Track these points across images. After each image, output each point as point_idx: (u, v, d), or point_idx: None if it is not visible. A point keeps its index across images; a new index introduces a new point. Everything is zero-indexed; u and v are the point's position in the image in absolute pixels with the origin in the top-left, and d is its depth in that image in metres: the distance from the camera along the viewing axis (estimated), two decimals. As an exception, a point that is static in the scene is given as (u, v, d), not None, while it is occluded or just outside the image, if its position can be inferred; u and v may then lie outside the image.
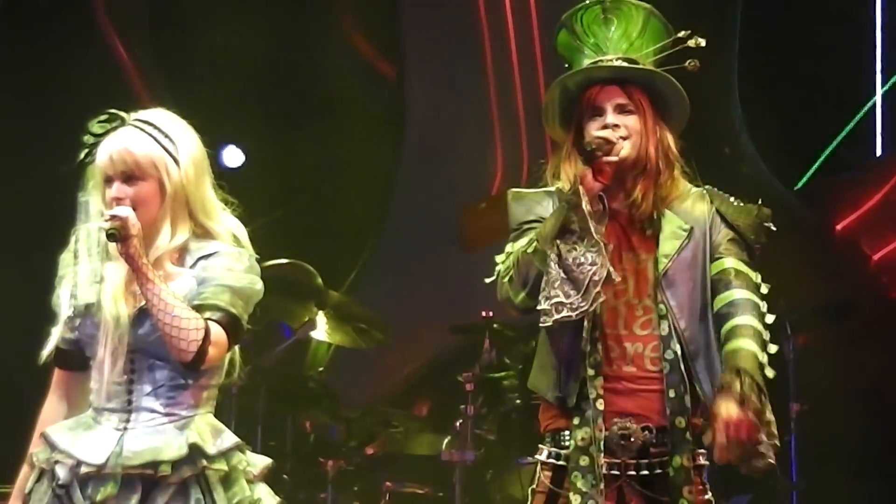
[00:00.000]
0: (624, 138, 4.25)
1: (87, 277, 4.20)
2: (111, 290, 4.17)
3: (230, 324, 4.07)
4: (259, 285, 4.18)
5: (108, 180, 4.10)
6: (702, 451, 4.25)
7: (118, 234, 4.01)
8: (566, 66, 4.41)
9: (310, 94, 9.36)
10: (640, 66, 4.32)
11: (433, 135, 9.53)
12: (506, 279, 4.25)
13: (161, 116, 4.20)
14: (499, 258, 4.33)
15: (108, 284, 4.18)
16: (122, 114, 4.17)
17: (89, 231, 4.19)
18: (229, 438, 4.15)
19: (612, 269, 4.15)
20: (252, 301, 4.17)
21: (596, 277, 4.13)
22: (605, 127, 4.24)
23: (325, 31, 9.51)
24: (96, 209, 4.17)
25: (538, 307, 4.18)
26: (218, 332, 4.04)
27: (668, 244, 4.29)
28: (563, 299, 4.15)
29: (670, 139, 4.34)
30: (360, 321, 7.68)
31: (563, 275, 4.16)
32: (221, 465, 4.12)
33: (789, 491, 7.50)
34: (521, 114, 9.35)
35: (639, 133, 4.29)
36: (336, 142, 9.44)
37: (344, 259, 9.25)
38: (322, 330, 7.52)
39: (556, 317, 4.15)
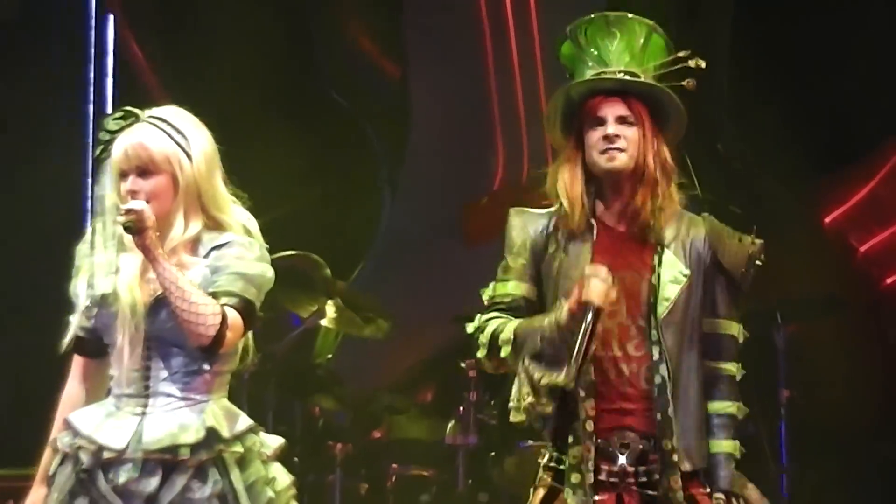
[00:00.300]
0: (622, 150, 4.25)
1: (104, 268, 4.22)
2: (127, 279, 4.19)
3: (245, 309, 4.10)
4: (270, 273, 4.21)
5: (124, 174, 4.15)
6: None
7: (134, 226, 4.04)
8: (568, 75, 4.40)
9: (318, 93, 9.40)
10: (643, 80, 4.31)
11: (437, 133, 9.49)
12: (480, 353, 4.30)
13: (174, 114, 4.24)
14: (482, 311, 4.35)
15: (123, 274, 4.20)
16: (137, 111, 4.21)
17: (105, 223, 4.21)
18: (244, 421, 4.18)
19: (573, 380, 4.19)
20: (264, 289, 4.19)
21: (557, 393, 4.20)
22: (606, 137, 4.24)
23: (331, 31, 9.52)
24: (112, 202, 4.19)
25: (508, 405, 4.26)
26: (234, 317, 4.07)
27: (670, 288, 4.27)
28: (531, 400, 4.21)
29: (667, 152, 4.32)
30: (366, 311, 7.70)
31: (529, 384, 4.19)
32: (237, 448, 4.14)
33: (779, 474, 7.48)
34: (522, 113, 9.32)
35: (637, 144, 4.27)
36: (343, 139, 9.49)
37: (351, 251, 9.27)
38: (330, 318, 7.53)
39: (525, 407, 4.22)
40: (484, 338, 4.27)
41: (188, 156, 4.17)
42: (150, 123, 4.19)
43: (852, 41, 8.71)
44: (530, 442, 7.17)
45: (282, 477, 4.22)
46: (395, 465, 7.62)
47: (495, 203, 9.07)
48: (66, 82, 8.93)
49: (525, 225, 4.36)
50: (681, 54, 4.34)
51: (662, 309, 4.24)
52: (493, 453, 7.51)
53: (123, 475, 4.09)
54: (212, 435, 4.11)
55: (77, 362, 4.28)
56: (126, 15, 9.05)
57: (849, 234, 8.72)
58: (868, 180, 8.76)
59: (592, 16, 4.39)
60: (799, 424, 7.34)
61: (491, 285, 4.35)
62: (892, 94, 8.57)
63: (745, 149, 8.70)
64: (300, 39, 9.37)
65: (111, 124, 4.19)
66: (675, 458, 4.19)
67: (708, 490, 4.25)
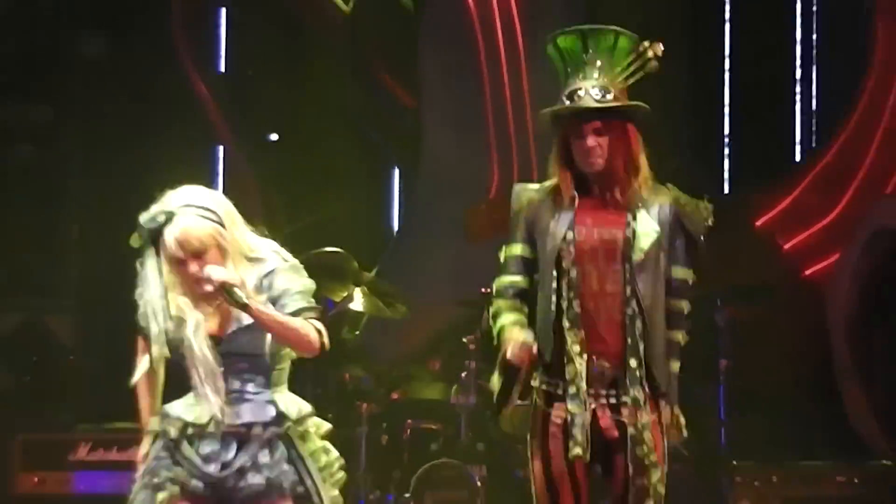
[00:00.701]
0: (599, 156, 4.32)
1: (158, 335, 4.18)
2: (193, 334, 4.18)
3: (320, 314, 4.24)
4: (310, 281, 4.27)
5: (181, 261, 4.14)
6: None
7: (240, 299, 4.06)
8: (555, 69, 4.44)
9: (350, 124, 9.46)
10: (611, 106, 4.32)
11: (444, 151, 9.49)
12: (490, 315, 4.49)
13: (197, 195, 4.22)
14: (494, 286, 4.47)
15: (186, 328, 4.18)
16: (169, 209, 4.15)
17: (152, 301, 4.17)
18: (305, 408, 4.26)
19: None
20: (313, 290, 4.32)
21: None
22: (586, 149, 4.31)
23: (361, 72, 9.56)
24: (160, 290, 4.16)
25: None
26: (319, 325, 4.19)
27: (644, 240, 4.32)
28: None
29: (638, 144, 4.38)
30: (387, 296, 7.67)
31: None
32: (300, 427, 4.22)
33: (719, 427, 7.51)
34: (513, 137, 9.36)
35: (611, 148, 4.33)
36: (371, 158, 9.53)
37: (375, 247, 9.30)
38: (358, 303, 7.47)
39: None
40: (491, 313, 4.45)
41: (221, 224, 4.16)
42: (185, 212, 4.15)
43: (782, 77, 8.70)
44: (519, 402, 7.28)
45: (333, 451, 4.30)
46: (409, 421, 7.55)
47: (491, 209, 9.01)
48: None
49: (521, 197, 4.45)
50: (641, 48, 4.32)
51: (637, 257, 4.30)
52: (488, 411, 7.27)
53: (206, 447, 4.16)
54: (281, 416, 4.18)
55: (142, 345, 4.27)
56: (194, 62, 9.00)
57: (776, 235, 8.72)
58: (792, 191, 8.81)
59: (567, 30, 4.39)
60: (734, 387, 7.36)
61: (503, 248, 4.44)
62: (810, 122, 8.65)
63: (696, 166, 8.75)
64: (338, 79, 9.35)
65: (148, 223, 4.13)
66: (639, 374, 4.28)
67: (657, 415, 4.31)
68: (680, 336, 4.39)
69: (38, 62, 8.59)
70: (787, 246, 8.78)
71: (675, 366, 4.37)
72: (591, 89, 4.31)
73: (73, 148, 8.62)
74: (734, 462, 7.25)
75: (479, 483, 7.17)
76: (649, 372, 4.32)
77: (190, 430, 4.17)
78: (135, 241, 4.14)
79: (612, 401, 4.32)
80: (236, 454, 4.15)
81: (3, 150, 8.61)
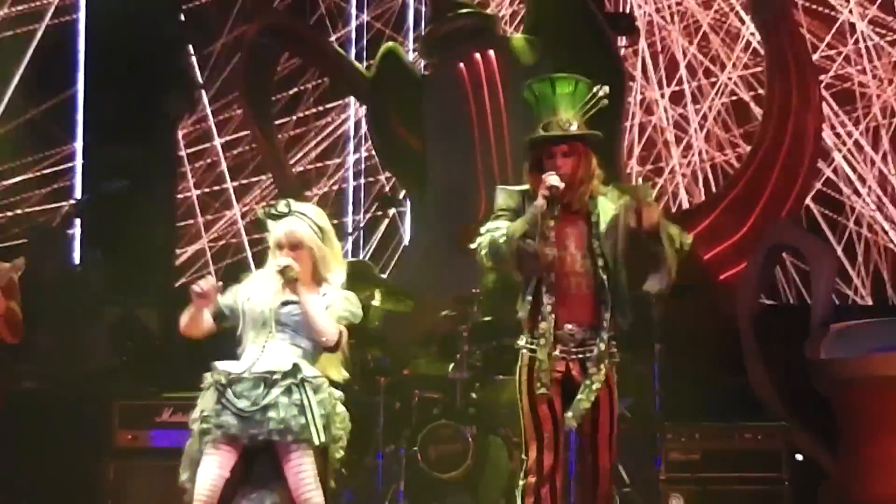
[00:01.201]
0: (565, 172, 4.48)
1: (257, 290, 4.49)
2: (260, 295, 4.46)
3: (349, 326, 4.59)
4: (359, 309, 4.57)
5: (280, 246, 4.48)
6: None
7: (293, 274, 4.36)
8: (531, 109, 4.56)
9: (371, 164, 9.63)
10: (574, 133, 4.50)
11: (444, 184, 9.61)
12: (482, 252, 4.52)
13: (312, 210, 4.54)
14: (480, 235, 4.50)
15: (258, 292, 4.47)
16: (290, 207, 4.50)
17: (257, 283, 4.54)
18: (321, 376, 4.49)
19: (552, 251, 4.39)
20: (356, 317, 4.62)
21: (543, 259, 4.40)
22: (555, 166, 4.47)
23: (379, 123, 9.63)
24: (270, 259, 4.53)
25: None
26: (344, 331, 4.55)
27: (605, 218, 4.50)
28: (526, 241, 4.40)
29: (594, 163, 4.55)
30: (399, 294, 7.76)
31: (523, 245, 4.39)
32: (314, 381, 4.40)
33: (654, 396, 7.35)
34: (496, 170, 9.39)
35: (574, 166, 4.51)
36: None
37: (390, 257, 9.46)
38: (377, 300, 7.52)
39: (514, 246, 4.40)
40: (484, 246, 4.46)
41: (321, 239, 4.51)
42: (298, 216, 4.47)
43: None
44: (501, 377, 7.28)
45: (342, 407, 4.49)
46: (417, 391, 7.50)
47: (480, 226, 9.15)
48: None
49: (508, 197, 4.58)
50: (594, 90, 4.53)
51: (604, 227, 4.45)
52: (477, 384, 7.53)
53: (240, 387, 4.35)
54: (296, 368, 4.37)
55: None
56: (247, 98, 9.12)
57: (698, 248, 8.58)
58: (710, 214, 8.95)
59: (539, 77, 4.58)
60: (666, 365, 7.27)
61: (487, 223, 4.53)
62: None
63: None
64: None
65: (275, 212, 4.46)
66: (605, 323, 4.43)
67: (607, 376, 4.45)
68: (676, 240, 4.54)
69: (129, 115, 8.73)
70: (706, 256, 8.86)
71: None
72: (559, 121, 4.50)
73: (156, 180, 8.78)
74: (666, 422, 7.27)
75: (470, 439, 7.21)
76: (615, 321, 4.44)
77: (232, 378, 4.36)
78: (262, 219, 4.44)
79: (581, 355, 4.46)
80: (263, 394, 4.31)
81: (102, 182, 8.81)
